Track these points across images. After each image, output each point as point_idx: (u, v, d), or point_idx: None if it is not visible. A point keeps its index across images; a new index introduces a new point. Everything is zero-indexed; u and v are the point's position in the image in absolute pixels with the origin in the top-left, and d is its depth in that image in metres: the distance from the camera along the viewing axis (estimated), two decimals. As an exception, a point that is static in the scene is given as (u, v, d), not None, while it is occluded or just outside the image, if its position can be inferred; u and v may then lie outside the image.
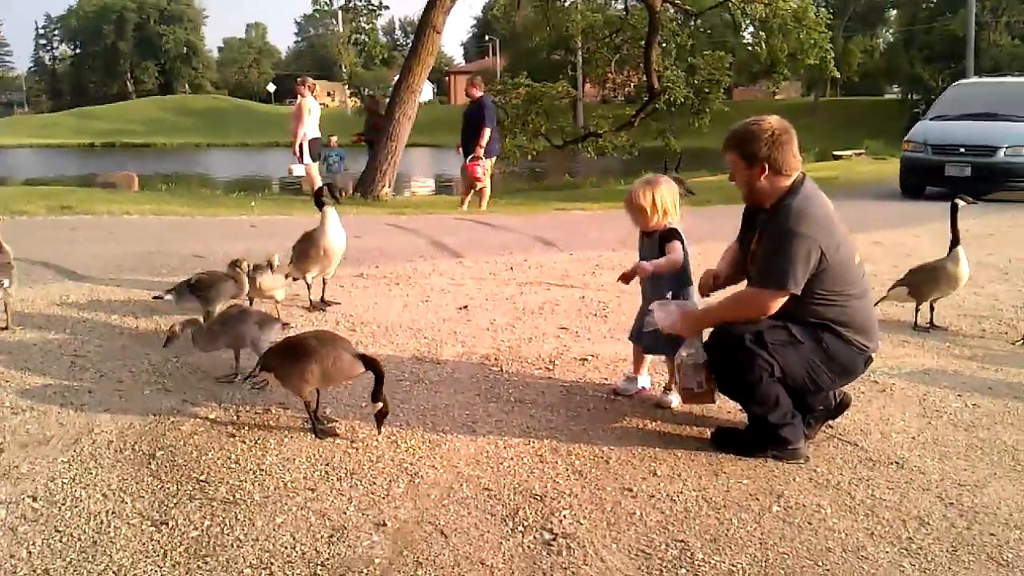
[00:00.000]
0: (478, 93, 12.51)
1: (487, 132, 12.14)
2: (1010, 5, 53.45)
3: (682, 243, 3.77)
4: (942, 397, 4.02)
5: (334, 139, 14.49)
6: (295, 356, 3.29)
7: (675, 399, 3.84)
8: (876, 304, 3.61)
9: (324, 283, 5.37)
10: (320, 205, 5.06)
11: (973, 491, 3.11)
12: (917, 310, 5.27)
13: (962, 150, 13.63)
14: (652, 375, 4.08)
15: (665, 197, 3.76)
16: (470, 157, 12.29)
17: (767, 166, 3.27)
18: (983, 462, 3.36)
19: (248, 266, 4.58)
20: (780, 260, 3.17)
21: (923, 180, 14.34)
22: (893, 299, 5.26)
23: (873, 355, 3.38)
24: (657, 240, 3.80)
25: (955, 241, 5.10)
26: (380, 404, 3.23)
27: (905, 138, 15.04)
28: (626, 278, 3.95)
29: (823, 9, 28.65)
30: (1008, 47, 50.33)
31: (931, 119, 15.06)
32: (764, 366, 3.20)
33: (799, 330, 3.24)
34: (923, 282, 5.18)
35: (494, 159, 12.75)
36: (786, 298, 3.20)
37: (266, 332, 3.85)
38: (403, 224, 9.57)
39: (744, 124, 3.37)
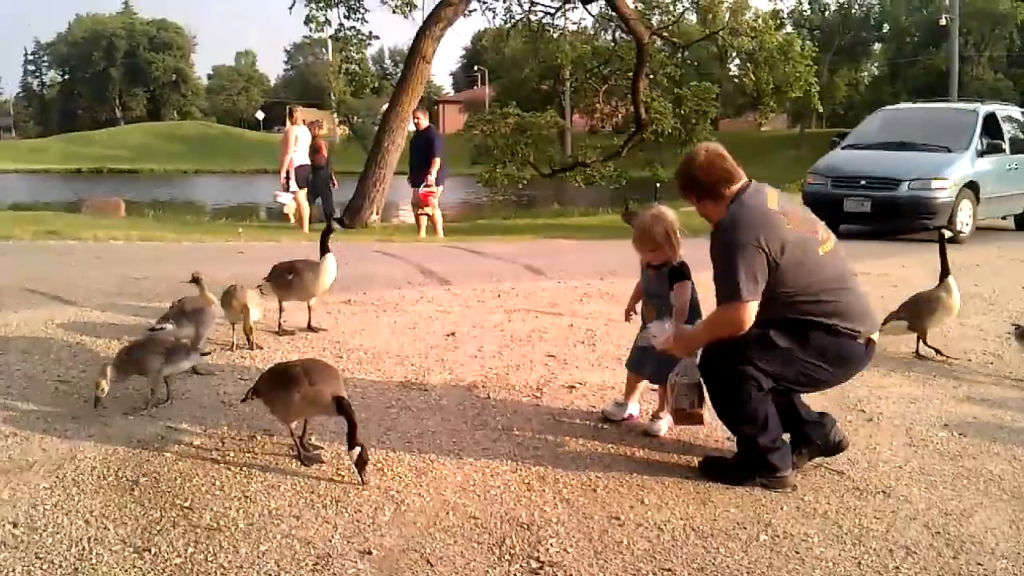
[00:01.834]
0: (425, 123, 12.99)
1: (437, 161, 12.41)
2: (992, 40, 54.35)
3: (689, 277, 3.72)
4: (929, 427, 4.03)
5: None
6: (280, 383, 3.28)
7: (664, 426, 3.83)
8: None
9: (310, 309, 5.34)
10: (325, 250, 5.04)
11: (960, 520, 3.11)
12: (919, 340, 5.27)
13: (863, 183, 12.26)
14: (641, 403, 4.08)
15: (675, 229, 3.73)
16: (422, 186, 12.52)
17: (706, 196, 3.35)
18: (970, 491, 3.37)
19: (203, 281, 4.56)
20: (726, 272, 3.19)
21: (824, 216, 12.93)
22: (890, 332, 5.16)
23: (873, 337, 3.37)
24: (666, 275, 3.74)
25: (945, 271, 5.14)
26: (357, 450, 3.12)
27: (809, 169, 13.78)
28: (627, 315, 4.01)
29: (809, 43, 29.05)
30: (990, 81, 51.13)
31: (843, 148, 13.93)
32: (752, 381, 3.21)
33: (782, 333, 3.24)
34: (923, 313, 5.17)
35: (442, 188, 13.00)
36: (752, 308, 3.17)
37: (174, 362, 3.81)
38: (390, 251, 9.58)
39: (681, 165, 3.48)
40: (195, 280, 4.56)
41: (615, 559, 2.77)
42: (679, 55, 25.88)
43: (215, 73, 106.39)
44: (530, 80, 39.40)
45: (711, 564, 2.76)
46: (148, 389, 3.88)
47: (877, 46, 64.20)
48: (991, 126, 13.10)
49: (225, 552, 2.68)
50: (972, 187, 12.21)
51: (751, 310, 3.18)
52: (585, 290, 7.09)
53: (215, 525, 2.84)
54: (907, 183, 11.86)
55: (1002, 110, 14.10)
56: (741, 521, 3.05)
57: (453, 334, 5.37)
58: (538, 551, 2.79)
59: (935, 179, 11.81)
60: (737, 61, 28.89)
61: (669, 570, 2.71)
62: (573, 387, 4.42)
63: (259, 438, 3.56)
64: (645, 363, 3.86)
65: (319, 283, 5.09)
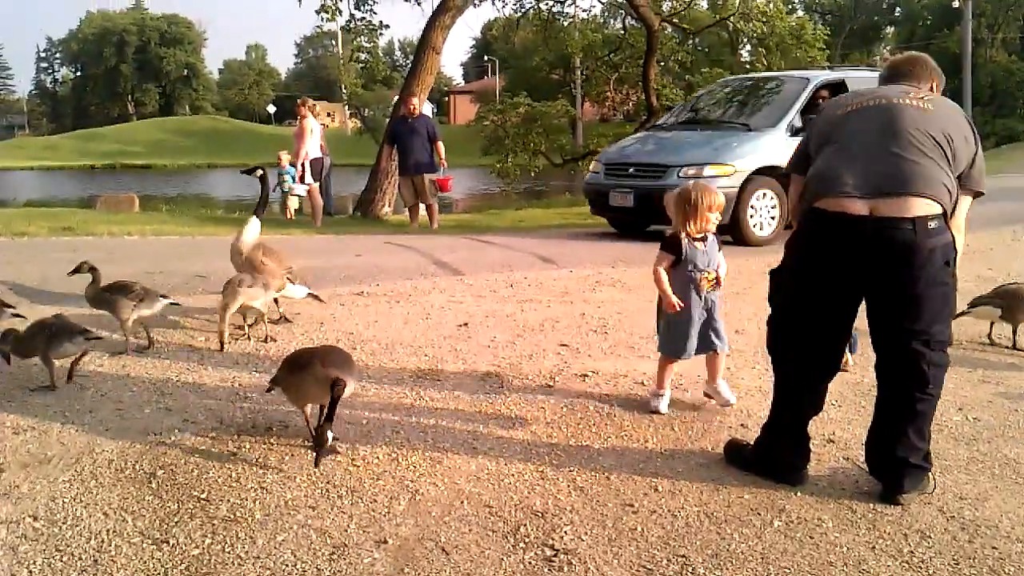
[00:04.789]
0: (420, 110, 12.76)
1: (442, 146, 12.24)
2: (1006, 22, 53.85)
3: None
4: (943, 411, 3.99)
5: (284, 156, 14.47)
6: (295, 367, 3.32)
7: (665, 404, 3.94)
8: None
9: (276, 301, 5.29)
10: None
11: (974, 504, 3.10)
12: (1015, 331, 5.18)
13: (631, 171, 10.34)
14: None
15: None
16: (441, 171, 12.28)
17: None
18: (984, 475, 3.36)
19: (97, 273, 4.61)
20: None
21: (596, 211, 11.20)
22: (981, 316, 5.17)
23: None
24: (715, 242, 3.91)
25: None
26: (321, 429, 3.06)
27: (596, 157, 12.11)
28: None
29: (820, 27, 28.84)
30: (1004, 63, 50.67)
31: (647, 129, 12.43)
32: None
33: None
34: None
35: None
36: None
37: (59, 344, 3.88)
38: (403, 242, 9.59)
39: None
40: (78, 270, 4.61)
41: (629, 546, 2.78)
42: (690, 41, 25.76)
43: (226, 68, 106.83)
44: (540, 69, 39.40)
45: (725, 550, 2.76)
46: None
47: (890, 29, 63.74)
48: (828, 98, 10.06)
49: (242, 543, 2.70)
50: (778, 175, 9.43)
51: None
52: (597, 278, 7.09)
53: (232, 516, 2.86)
54: (676, 171, 9.67)
55: (859, 78, 11.08)
56: (755, 507, 3.06)
57: (466, 324, 5.39)
58: (552, 539, 2.80)
59: (711, 165, 9.65)
60: (748, 47, 28.75)
61: (683, 556, 2.72)
62: (586, 376, 4.43)
63: (275, 429, 3.59)
64: (688, 340, 3.86)
65: (241, 239, 5.16)
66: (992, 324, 5.23)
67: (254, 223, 5.25)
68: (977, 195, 3.25)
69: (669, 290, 3.82)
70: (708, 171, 9.52)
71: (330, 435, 3.04)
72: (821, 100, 10.48)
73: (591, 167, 11.74)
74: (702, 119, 11.36)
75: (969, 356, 4.94)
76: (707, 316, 3.88)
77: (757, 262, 7.03)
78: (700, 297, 3.86)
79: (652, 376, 4.39)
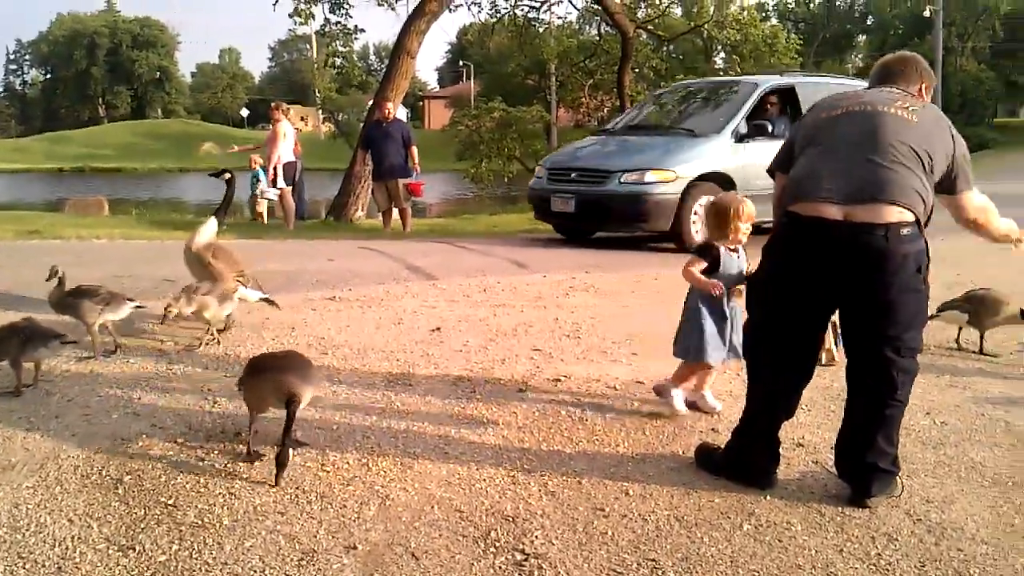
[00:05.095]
0: (395, 114, 12.82)
1: (416, 151, 12.23)
2: (975, 31, 54.70)
3: None
4: (911, 415, 4.03)
5: (256, 159, 14.39)
6: (252, 371, 3.30)
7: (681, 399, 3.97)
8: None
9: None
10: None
11: (941, 508, 3.14)
12: (982, 337, 5.25)
13: (573, 176, 10.15)
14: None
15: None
16: (414, 175, 12.26)
17: None
18: (951, 479, 3.40)
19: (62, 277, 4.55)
20: None
21: (539, 217, 11.05)
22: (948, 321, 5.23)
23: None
24: (742, 252, 3.94)
25: None
26: (281, 449, 3.04)
27: (541, 161, 12.07)
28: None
29: (794, 35, 29.15)
30: (974, 72, 51.45)
31: (595, 133, 12.33)
32: None
33: None
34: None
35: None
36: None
37: (33, 349, 3.86)
38: (375, 247, 9.56)
39: None
40: (54, 275, 4.55)
41: (600, 550, 2.78)
42: (664, 48, 25.93)
43: (199, 71, 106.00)
44: (516, 75, 39.47)
45: (695, 553, 2.78)
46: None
47: (862, 38, 64.51)
48: (777, 104, 10.61)
49: (210, 549, 2.67)
50: (723, 181, 9.52)
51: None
52: (571, 284, 7.11)
53: (200, 522, 2.83)
54: (618, 176, 9.57)
55: (809, 83, 10.95)
56: (725, 511, 3.07)
57: (439, 329, 5.37)
58: (523, 543, 2.80)
59: (652, 171, 9.50)
60: (723, 54, 29.00)
61: (653, 560, 2.73)
62: (558, 380, 4.43)
63: (244, 435, 3.55)
64: (726, 342, 3.86)
65: (195, 239, 5.12)
66: (960, 329, 5.30)
67: (211, 224, 5.22)
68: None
69: (705, 279, 3.82)
70: (649, 177, 9.45)
71: (279, 450, 3.04)
72: (769, 106, 10.48)
73: (535, 172, 11.63)
74: (649, 124, 11.23)
75: (937, 361, 5.00)
76: (733, 325, 3.88)
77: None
78: (728, 306, 3.88)
79: (624, 381, 4.41)
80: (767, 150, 9.76)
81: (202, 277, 4.95)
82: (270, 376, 3.20)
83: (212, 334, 4.80)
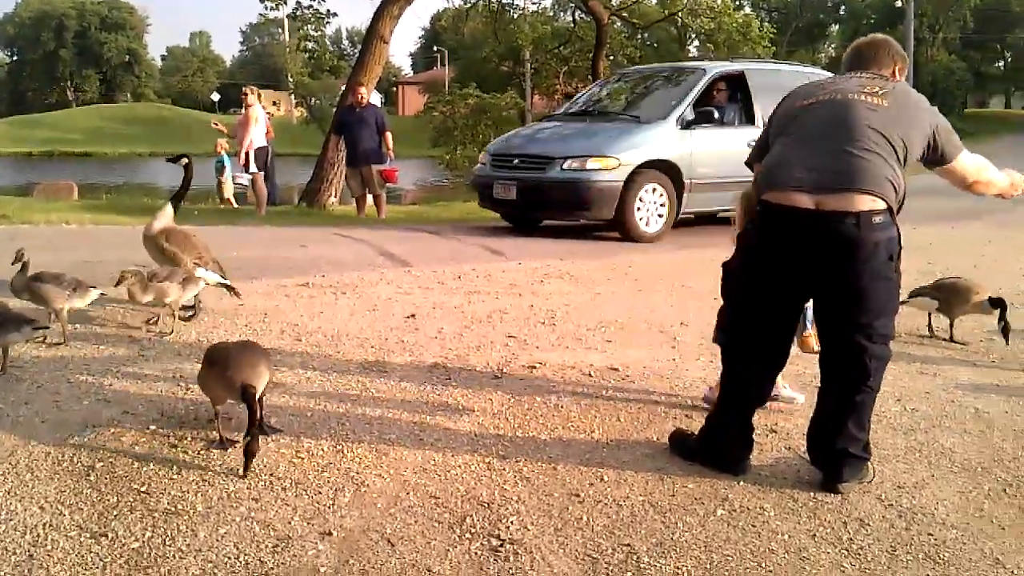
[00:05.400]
0: (368, 99, 12.68)
1: (390, 137, 12.16)
2: (947, 22, 55.25)
3: None
4: (882, 402, 4.08)
5: (222, 143, 14.25)
6: (207, 363, 3.28)
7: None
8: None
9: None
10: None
11: (912, 493, 3.18)
12: (951, 324, 5.31)
13: (515, 162, 9.93)
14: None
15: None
16: (388, 162, 12.19)
17: None
18: (922, 464, 3.44)
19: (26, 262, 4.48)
20: None
21: (485, 203, 10.64)
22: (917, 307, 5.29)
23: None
24: None
25: None
26: (248, 439, 2.98)
27: (485, 148, 11.83)
28: None
29: (767, 24, 29.27)
30: (945, 62, 52.01)
31: (542, 119, 12.13)
32: None
33: None
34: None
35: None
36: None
37: (4, 333, 3.83)
38: (349, 233, 9.50)
39: None
40: (19, 259, 4.49)
41: (575, 535, 2.79)
42: (639, 36, 25.97)
43: (169, 54, 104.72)
44: (490, 61, 39.32)
45: (669, 539, 2.79)
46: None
47: (835, 27, 64.95)
48: (725, 91, 10.46)
49: (183, 536, 2.65)
50: (668, 169, 9.57)
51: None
52: (545, 271, 7.11)
53: (173, 509, 2.81)
54: (560, 163, 9.36)
55: (759, 70, 10.89)
56: (699, 496, 3.09)
57: (413, 316, 5.36)
58: (499, 529, 2.80)
59: (594, 158, 9.29)
60: (696, 42, 29.08)
61: (628, 545, 2.74)
62: (533, 367, 4.44)
63: (220, 420, 3.52)
64: None
65: (151, 225, 5.10)
66: (930, 316, 5.36)
67: (167, 209, 5.17)
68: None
69: None
70: (591, 164, 9.28)
71: (246, 440, 2.99)
72: (717, 92, 10.36)
73: (480, 158, 11.46)
74: (596, 110, 11.03)
75: (908, 348, 5.06)
76: None
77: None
78: None
79: (598, 368, 4.43)
80: (714, 137, 9.82)
81: (162, 263, 4.91)
82: (220, 369, 3.16)
83: (173, 318, 4.74)
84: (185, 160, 5.44)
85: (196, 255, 4.99)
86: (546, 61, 25.61)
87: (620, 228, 9.50)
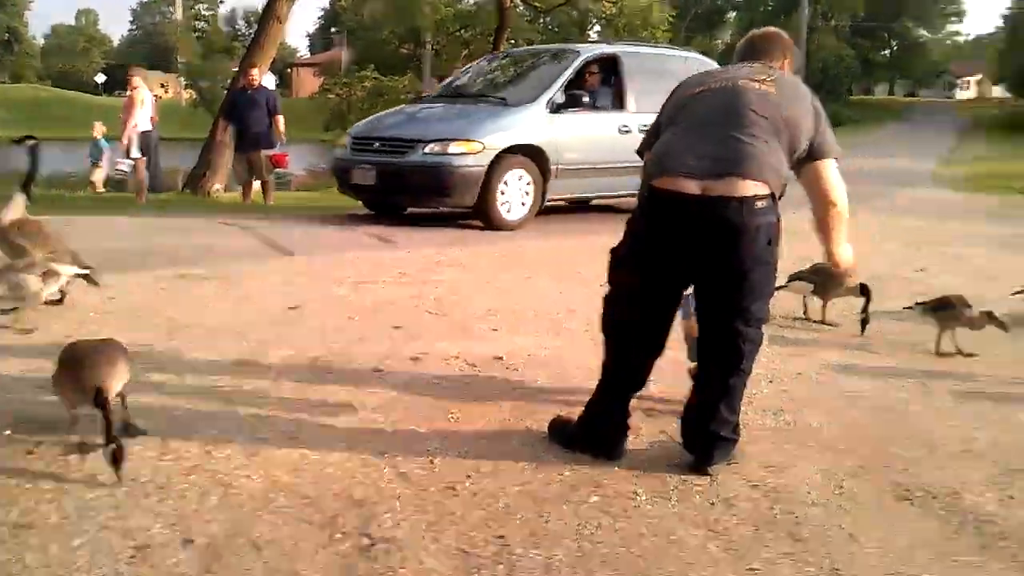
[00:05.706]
0: (259, 81, 12.46)
1: (282, 120, 11.99)
2: (840, 10, 57.16)
3: None
4: (754, 383, 4.18)
5: (98, 127, 13.72)
6: (59, 364, 3.12)
7: None
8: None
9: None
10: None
11: (778, 472, 3.27)
12: (824, 306, 5.46)
13: (376, 146, 9.53)
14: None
15: None
16: (278, 146, 11.98)
17: None
18: (790, 444, 3.55)
19: None
20: None
21: (345, 188, 10.27)
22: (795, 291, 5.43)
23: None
24: None
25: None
26: (112, 448, 2.85)
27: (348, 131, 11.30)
28: None
29: (666, 9, 29.69)
30: (834, 48, 53.86)
31: (412, 102, 11.90)
32: None
33: None
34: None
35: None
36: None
37: None
38: (233, 221, 9.22)
39: None
40: None
41: (449, 530, 2.77)
42: (541, 20, 26.03)
43: (53, 33, 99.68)
44: (390, 42, 38.82)
45: (543, 528, 2.80)
46: None
47: (732, 15, 66.47)
48: (598, 74, 10.26)
49: (32, 552, 2.51)
50: (534, 154, 9.25)
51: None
52: (437, 259, 7.07)
53: (24, 523, 2.66)
54: (422, 147, 8.97)
55: (634, 53, 10.67)
56: (575, 484, 3.12)
57: (297, 307, 5.24)
58: (370, 528, 2.76)
59: (456, 142, 8.92)
60: (598, 27, 29.32)
61: (501, 537, 2.74)
62: (417, 358, 4.40)
63: (77, 424, 3.37)
64: None
65: (3, 215, 4.91)
66: (805, 299, 5.54)
67: (18, 199, 4.92)
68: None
69: None
70: (453, 148, 8.90)
71: (110, 449, 2.84)
72: (589, 76, 10.20)
73: (342, 141, 11.03)
74: (466, 92, 10.70)
75: (783, 332, 5.21)
76: None
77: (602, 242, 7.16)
78: None
79: (483, 358, 4.41)
80: (583, 122, 9.65)
81: (13, 257, 4.67)
82: (73, 371, 3.02)
83: (25, 312, 4.52)
84: (32, 141, 5.15)
85: (49, 249, 4.76)
86: (447, 44, 25.43)
87: (481, 216, 9.20)
